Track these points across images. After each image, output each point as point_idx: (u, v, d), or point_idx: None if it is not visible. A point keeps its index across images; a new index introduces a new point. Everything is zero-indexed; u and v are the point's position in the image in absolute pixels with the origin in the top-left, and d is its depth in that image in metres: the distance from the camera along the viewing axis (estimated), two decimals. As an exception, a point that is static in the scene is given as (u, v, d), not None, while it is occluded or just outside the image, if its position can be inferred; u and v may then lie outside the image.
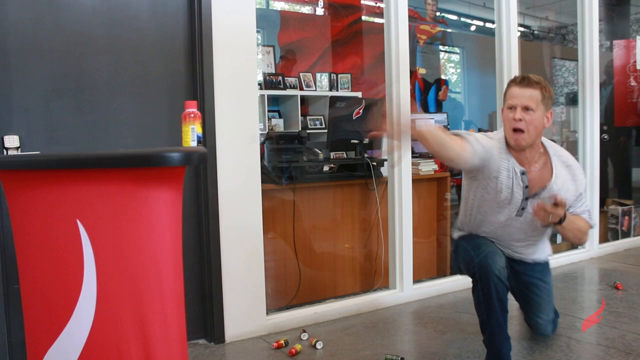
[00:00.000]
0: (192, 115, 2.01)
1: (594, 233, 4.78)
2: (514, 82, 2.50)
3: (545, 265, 2.84)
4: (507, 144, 2.53)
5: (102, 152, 1.66)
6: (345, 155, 3.90)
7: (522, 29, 7.98)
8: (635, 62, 5.47)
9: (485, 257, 2.47)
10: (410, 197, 3.67)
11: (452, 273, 4.03)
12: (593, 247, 4.79)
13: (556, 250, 4.81)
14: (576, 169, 2.64)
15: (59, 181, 1.61)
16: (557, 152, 2.64)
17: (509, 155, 2.52)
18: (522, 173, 2.51)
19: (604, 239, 5.07)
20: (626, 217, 5.22)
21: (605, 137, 5.31)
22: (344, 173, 3.85)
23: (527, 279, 2.78)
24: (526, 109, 2.42)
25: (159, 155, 1.56)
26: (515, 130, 2.45)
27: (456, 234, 2.87)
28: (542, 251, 2.83)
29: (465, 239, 2.74)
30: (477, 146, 2.42)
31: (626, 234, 5.23)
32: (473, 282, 2.54)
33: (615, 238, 5.19)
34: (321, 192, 3.76)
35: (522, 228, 2.65)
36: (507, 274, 2.51)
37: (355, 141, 3.82)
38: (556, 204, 2.35)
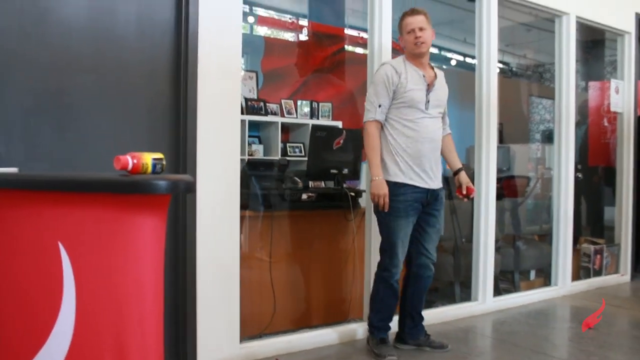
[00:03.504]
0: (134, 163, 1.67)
1: (567, 271, 4.84)
2: (406, 14, 3.29)
3: (442, 198, 3.41)
4: (407, 59, 3.29)
5: (88, 176, 1.64)
6: (324, 185, 3.90)
7: (501, 65, 8.13)
8: (609, 104, 5.58)
9: (417, 267, 3.34)
10: (388, 228, 3.65)
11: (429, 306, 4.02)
12: (565, 285, 4.83)
13: (529, 287, 4.87)
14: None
15: (43, 202, 1.60)
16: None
17: (410, 65, 3.27)
18: (423, 76, 3.27)
19: (576, 276, 5.11)
20: (598, 256, 5.29)
21: (579, 176, 5.40)
22: (322, 202, 3.84)
23: (430, 211, 3.33)
24: (421, 29, 3.22)
25: (146, 182, 1.55)
26: (417, 43, 3.23)
27: (392, 179, 3.23)
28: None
29: (400, 223, 3.21)
30: (384, 101, 3.21)
31: (598, 273, 5.29)
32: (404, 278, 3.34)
33: (587, 276, 5.24)
34: (299, 221, 3.75)
35: (434, 129, 3.30)
36: (415, 220, 3.27)
37: (335, 171, 3.83)
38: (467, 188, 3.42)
